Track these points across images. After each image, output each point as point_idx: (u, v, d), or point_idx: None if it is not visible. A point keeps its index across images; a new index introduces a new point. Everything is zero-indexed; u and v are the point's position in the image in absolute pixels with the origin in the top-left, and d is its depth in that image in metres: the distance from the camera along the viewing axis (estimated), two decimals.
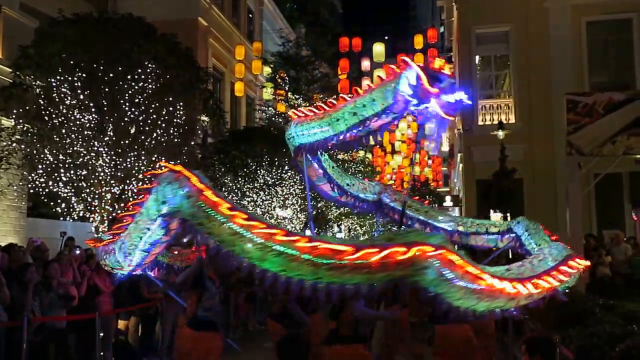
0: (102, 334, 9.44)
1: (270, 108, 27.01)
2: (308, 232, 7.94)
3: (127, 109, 13.59)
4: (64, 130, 13.31)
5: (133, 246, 5.22)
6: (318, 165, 7.09)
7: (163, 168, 5.18)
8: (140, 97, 13.71)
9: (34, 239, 11.09)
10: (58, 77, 13.17)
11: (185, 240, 5.60)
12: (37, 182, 13.44)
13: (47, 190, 13.50)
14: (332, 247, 4.53)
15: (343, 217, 26.55)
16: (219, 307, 6.78)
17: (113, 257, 5.48)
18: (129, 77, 13.51)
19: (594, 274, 12.61)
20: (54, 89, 13.23)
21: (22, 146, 13.39)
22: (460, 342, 7.06)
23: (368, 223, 30.02)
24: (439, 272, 4.49)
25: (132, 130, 13.87)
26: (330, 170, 7.37)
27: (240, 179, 19.06)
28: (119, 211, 13.71)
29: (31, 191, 14.07)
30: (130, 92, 13.57)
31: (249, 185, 19.19)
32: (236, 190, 19.20)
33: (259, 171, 19.04)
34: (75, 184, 13.65)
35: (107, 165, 13.58)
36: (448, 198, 39.08)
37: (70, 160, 13.48)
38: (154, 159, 14.10)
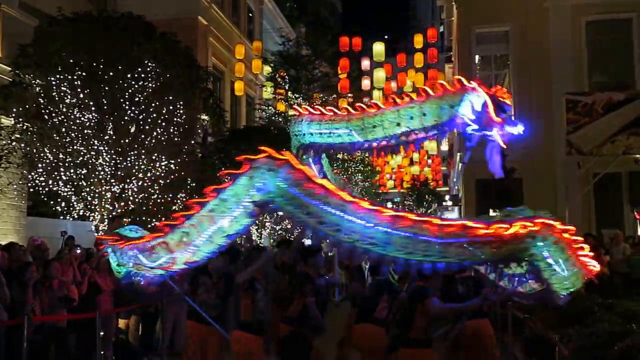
0: (102, 333, 9.43)
1: (270, 107, 27.00)
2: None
3: (127, 108, 13.61)
4: (63, 129, 13.34)
5: (206, 235, 5.13)
6: (316, 162, 7.15)
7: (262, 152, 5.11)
8: (140, 96, 13.73)
9: (34, 238, 11.08)
10: (58, 76, 13.19)
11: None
12: (37, 181, 13.46)
13: (47, 189, 13.52)
14: (465, 223, 4.70)
15: None
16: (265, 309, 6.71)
17: (138, 258, 5.38)
18: (128, 76, 13.53)
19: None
20: (54, 87, 13.25)
21: (22, 145, 13.40)
22: (487, 337, 7.03)
23: None
24: (552, 244, 4.75)
25: (132, 129, 13.89)
26: (325, 168, 7.42)
27: None
28: (119, 210, 13.75)
29: (31, 190, 14.09)
30: (130, 91, 13.59)
31: None
32: None
33: None
34: (75, 183, 13.67)
35: (107, 164, 13.59)
36: (447, 197, 39.11)
37: (70, 159, 13.50)
38: (154, 158, 14.13)
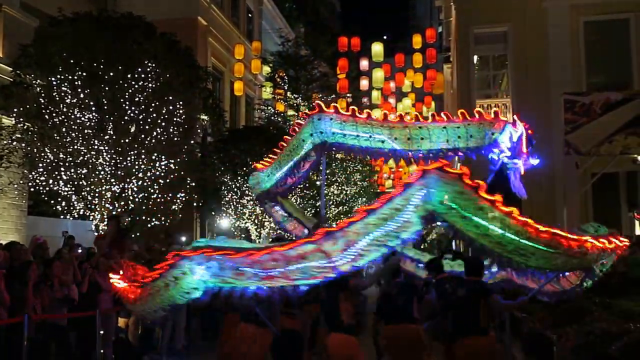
0: (102, 332, 9.48)
1: (269, 107, 27.05)
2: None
3: (127, 107, 13.66)
4: (64, 129, 13.39)
5: (372, 241, 5.18)
6: (281, 208, 7.94)
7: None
8: (140, 96, 13.78)
9: (37, 237, 11.14)
10: (58, 76, 13.24)
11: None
12: (37, 181, 13.51)
13: (47, 188, 13.57)
14: (588, 239, 5.24)
15: (342, 216, 26.61)
16: None
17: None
18: (129, 76, 13.58)
19: None
20: (54, 87, 13.31)
21: (23, 145, 13.46)
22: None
23: None
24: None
25: (132, 129, 13.94)
26: (292, 211, 8.24)
27: (239, 177, 19.10)
28: (118, 209, 13.79)
29: (32, 189, 14.13)
30: (130, 91, 13.64)
31: (248, 184, 19.21)
32: (235, 190, 19.26)
33: None
34: (75, 183, 13.72)
35: (107, 163, 13.64)
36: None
37: (70, 159, 13.55)
38: (153, 157, 14.18)
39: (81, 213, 14.08)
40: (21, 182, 13.81)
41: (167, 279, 5.25)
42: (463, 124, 6.01)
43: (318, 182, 21.56)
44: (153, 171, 14.27)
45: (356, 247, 5.11)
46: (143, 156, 14.01)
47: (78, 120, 13.40)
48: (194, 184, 15.74)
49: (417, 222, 5.09)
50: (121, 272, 6.05)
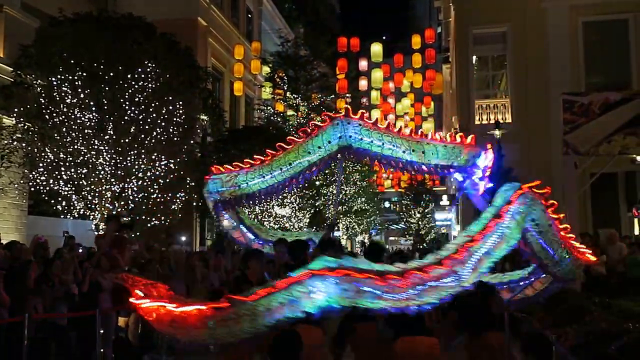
0: (102, 331, 9.48)
1: (269, 107, 27.08)
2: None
3: (127, 107, 13.69)
4: (64, 129, 13.42)
5: (488, 253, 5.73)
6: (236, 217, 8.30)
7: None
8: (140, 96, 13.81)
9: (39, 236, 11.15)
10: (59, 76, 13.27)
11: None
12: (37, 180, 13.54)
13: (47, 188, 13.60)
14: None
15: (341, 216, 26.67)
16: None
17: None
18: (129, 76, 13.62)
19: (589, 273, 12.72)
20: (55, 87, 13.34)
21: (23, 145, 13.49)
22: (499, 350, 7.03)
23: (366, 222, 30.14)
24: None
25: (132, 129, 13.97)
26: (245, 219, 8.62)
27: None
28: (118, 209, 13.82)
29: (32, 189, 14.16)
30: (130, 91, 13.67)
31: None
32: None
33: None
34: (75, 182, 13.75)
35: (107, 163, 13.67)
36: (445, 197, 39.18)
37: (70, 159, 13.58)
38: (153, 157, 14.21)
39: (81, 213, 14.11)
40: (21, 181, 13.84)
41: (283, 297, 5.13)
42: (456, 144, 6.69)
43: (317, 182, 21.61)
44: (153, 171, 14.30)
45: (476, 263, 5.63)
46: (143, 156, 14.04)
47: (78, 120, 13.44)
48: (193, 184, 15.76)
49: (517, 237, 5.80)
50: (148, 294, 5.88)
